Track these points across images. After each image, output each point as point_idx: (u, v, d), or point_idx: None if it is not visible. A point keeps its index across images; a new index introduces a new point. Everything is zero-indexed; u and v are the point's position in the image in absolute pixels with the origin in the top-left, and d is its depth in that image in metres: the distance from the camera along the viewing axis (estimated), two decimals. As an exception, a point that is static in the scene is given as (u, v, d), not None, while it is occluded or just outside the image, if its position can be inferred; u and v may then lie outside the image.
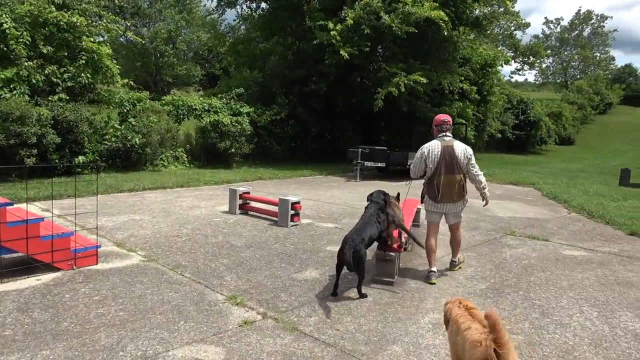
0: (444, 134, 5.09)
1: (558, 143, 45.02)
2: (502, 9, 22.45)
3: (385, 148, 14.34)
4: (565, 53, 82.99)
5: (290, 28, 19.38)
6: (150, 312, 3.85)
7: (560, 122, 45.71)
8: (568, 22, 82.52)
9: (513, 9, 18.88)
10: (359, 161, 13.56)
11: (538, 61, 67.85)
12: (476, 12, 17.69)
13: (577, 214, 9.33)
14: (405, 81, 14.44)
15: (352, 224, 7.65)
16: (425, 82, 14.63)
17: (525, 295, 4.56)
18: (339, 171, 15.76)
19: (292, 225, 7.19)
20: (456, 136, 20.50)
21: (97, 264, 4.97)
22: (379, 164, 13.83)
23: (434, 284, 4.86)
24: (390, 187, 12.50)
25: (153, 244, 5.92)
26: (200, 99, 16.38)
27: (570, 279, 5.11)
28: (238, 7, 20.87)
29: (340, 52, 14.44)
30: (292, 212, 7.19)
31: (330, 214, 8.32)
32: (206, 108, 15.59)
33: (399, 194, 5.59)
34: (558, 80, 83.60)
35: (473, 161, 5.05)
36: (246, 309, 3.98)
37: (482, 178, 5.11)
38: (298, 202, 7.27)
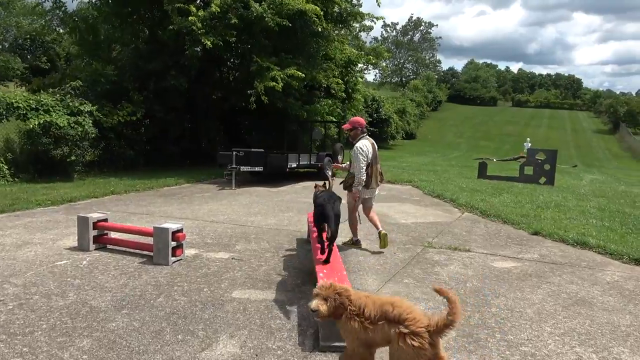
0: (365, 134, 6.09)
1: (404, 138, 48.52)
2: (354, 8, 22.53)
3: (262, 150, 12.92)
4: (400, 55, 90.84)
5: (139, 15, 16.67)
6: None
7: (404, 118, 49.31)
8: (401, 27, 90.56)
9: (369, 12, 18.80)
10: (234, 166, 11.93)
11: (381, 62, 72.78)
12: (342, 8, 17.22)
13: (471, 213, 9.14)
14: (282, 75, 13.20)
15: (251, 250, 6.19)
16: (302, 77, 13.57)
17: (505, 340, 3.65)
18: (208, 177, 13.89)
19: (174, 262, 5.42)
20: (330, 137, 19.53)
21: None
22: (257, 168, 12.35)
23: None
24: (271, 194, 11.22)
25: (-46, 323, 3.71)
26: (24, 94, 12.99)
27: (530, 304, 4.41)
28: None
29: (203, 41, 12.57)
30: (174, 243, 5.42)
31: (219, 238, 6.68)
32: (33, 106, 12.35)
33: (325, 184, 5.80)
34: (394, 80, 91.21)
35: None
36: None
37: None
38: (180, 230, 5.51)
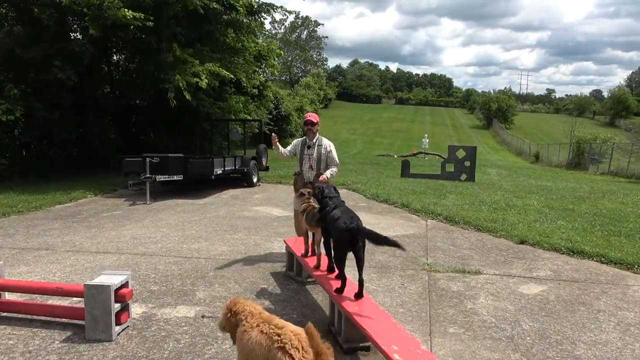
0: None
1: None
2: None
3: (182, 155, 10.91)
4: (289, 53, 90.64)
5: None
6: None
7: (302, 116, 48.87)
8: (289, 24, 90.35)
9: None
10: (148, 175, 9.85)
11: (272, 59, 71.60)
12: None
13: (434, 220, 8.35)
14: (205, 71, 11.27)
15: (220, 298, 4.40)
16: (231, 77, 11.79)
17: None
18: (107, 188, 11.50)
19: (119, 332, 3.67)
20: (253, 134, 17.70)
21: None
22: (175, 177, 10.35)
23: None
24: (199, 209, 9.39)
25: None
26: None
27: (618, 350, 3.54)
28: None
29: (122, 13, 10.27)
30: (118, 306, 3.66)
31: (166, 281, 4.93)
32: None
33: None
34: (283, 78, 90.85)
35: None
36: None
37: None
38: (125, 285, 3.76)
